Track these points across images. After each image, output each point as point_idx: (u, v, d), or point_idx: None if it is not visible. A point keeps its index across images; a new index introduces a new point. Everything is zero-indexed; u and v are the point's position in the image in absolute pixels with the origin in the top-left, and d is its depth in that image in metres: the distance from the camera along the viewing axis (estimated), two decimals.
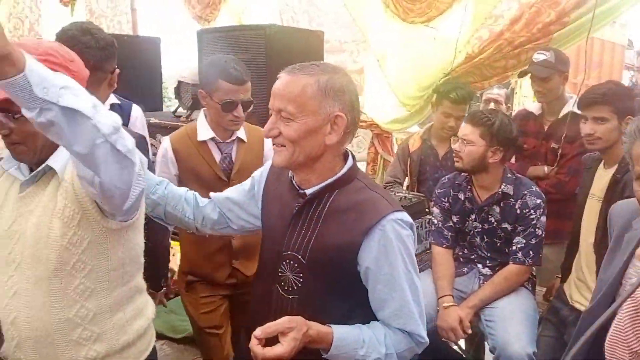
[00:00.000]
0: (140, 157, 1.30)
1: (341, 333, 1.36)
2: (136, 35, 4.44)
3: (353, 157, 1.49)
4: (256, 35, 2.76)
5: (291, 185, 1.49)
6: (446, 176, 2.56)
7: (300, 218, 1.44)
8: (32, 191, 1.37)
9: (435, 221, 2.52)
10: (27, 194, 1.37)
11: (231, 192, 1.70)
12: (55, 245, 1.31)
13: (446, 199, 2.48)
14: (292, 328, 1.28)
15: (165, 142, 2.28)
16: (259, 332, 1.26)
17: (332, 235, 1.39)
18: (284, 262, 1.45)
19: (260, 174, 1.65)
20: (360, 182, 1.45)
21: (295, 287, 1.43)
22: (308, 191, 1.44)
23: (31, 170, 1.39)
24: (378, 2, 3.41)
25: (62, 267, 1.33)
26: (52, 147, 1.35)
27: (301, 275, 1.42)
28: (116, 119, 1.16)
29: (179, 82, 3.49)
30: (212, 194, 1.72)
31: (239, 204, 1.66)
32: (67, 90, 1.06)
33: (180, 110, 3.58)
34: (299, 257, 1.42)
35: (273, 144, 1.40)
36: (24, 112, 1.07)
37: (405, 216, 1.41)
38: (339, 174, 1.43)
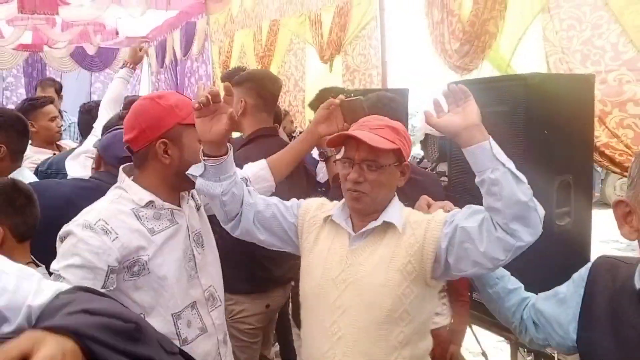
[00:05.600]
0: None
1: None
2: (385, 88, 4.53)
3: None
4: (515, 86, 2.46)
5: None
6: None
7: None
8: (363, 244, 1.56)
9: None
10: (358, 247, 1.56)
11: None
12: (391, 293, 1.47)
13: None
14: None
15: None
16: None
17: None
18: None
19: None
20: None
21: None
22: None
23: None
24: None
25: (391, 315, 1.47)
26: (384, 204, 1.57)
27: None
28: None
29: (426, 135, 3.39)
30: None
31: None
32: (510, 162, 1.37)
33: (425, 162, 3.47)
34: None
35: None
36: (479, 172, 1.39)
37: None
38: None
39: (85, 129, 3.28)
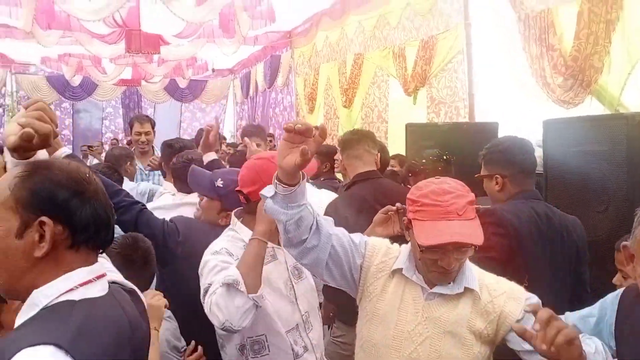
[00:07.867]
0: None
1: None
2: (474, 122, 4.56)
3: None
4: (615, 125, 2.47)
5: None
6: None
7: None
8: (440, 300, 1.60)
9: None
10: (435, 302, 1.60)
11: None
12: (468, 352, 1.57)
13: None
14: None
15: None
16: None
17: None
18: None
19: None
20: None
21: None
22: None
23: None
24: None
25: None
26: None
27: None
28: None
29: None
30: None
31: None
32: None
33: None
34: None
35: None
36: None
37: None
38: None
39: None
